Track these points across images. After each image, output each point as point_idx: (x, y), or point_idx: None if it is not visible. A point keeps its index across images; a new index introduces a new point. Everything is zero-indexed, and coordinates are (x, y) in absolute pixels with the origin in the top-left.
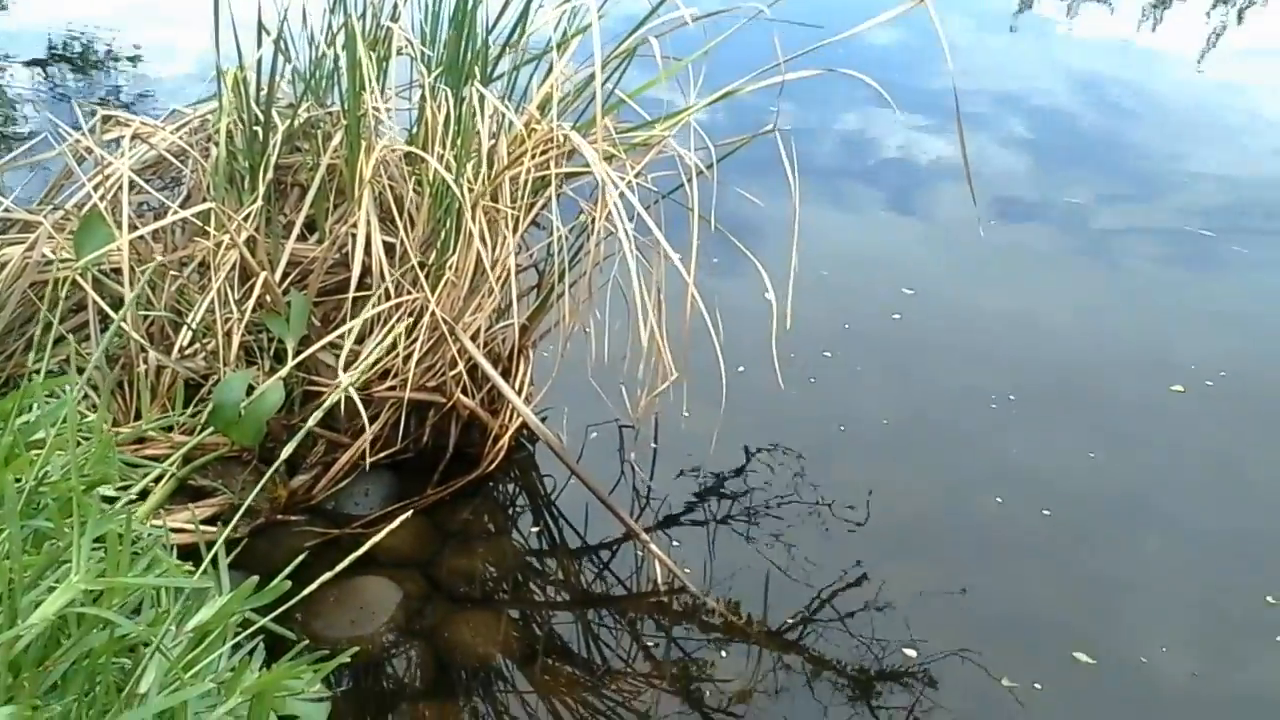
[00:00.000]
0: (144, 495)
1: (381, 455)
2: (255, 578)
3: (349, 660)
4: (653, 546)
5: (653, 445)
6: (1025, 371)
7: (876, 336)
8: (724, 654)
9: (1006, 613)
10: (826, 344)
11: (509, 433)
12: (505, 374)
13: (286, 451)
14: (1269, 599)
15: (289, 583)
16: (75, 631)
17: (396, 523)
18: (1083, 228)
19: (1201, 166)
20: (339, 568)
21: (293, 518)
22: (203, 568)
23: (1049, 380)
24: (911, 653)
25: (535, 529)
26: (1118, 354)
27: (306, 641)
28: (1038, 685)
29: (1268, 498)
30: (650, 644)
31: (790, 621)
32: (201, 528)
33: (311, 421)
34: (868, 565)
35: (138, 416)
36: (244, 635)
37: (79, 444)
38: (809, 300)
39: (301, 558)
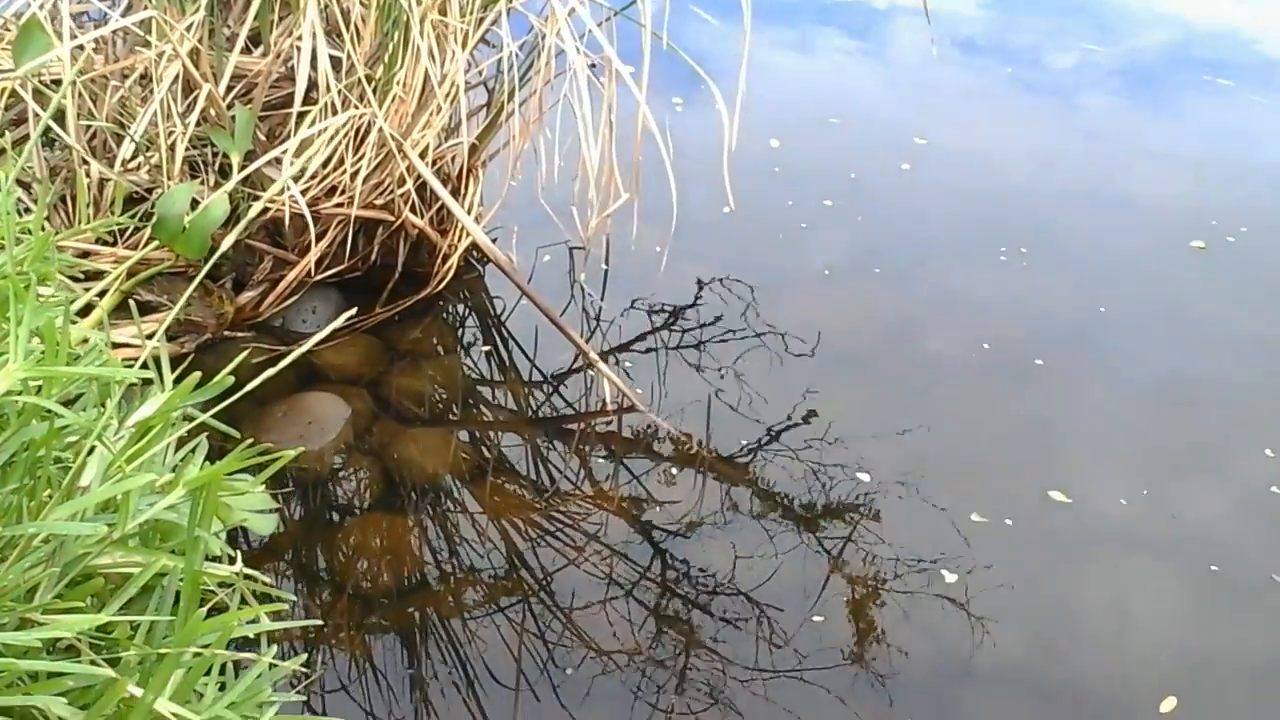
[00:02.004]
0: (87, 311)
1: (329, 273)
2: (197, 374)
3: (297, 473)
4: (602, 366)
5: (603, 267)
6: (1033, 222)
7: (882, 186)
8: (673, 480)
9: (964, 449)
10: (830, 193)
11: (458, 252)
12: (454, 193)
13: (229, 241)
14: (1268, 451)
15: (232, 378)
16: (14, 422)
17: (341, 319)
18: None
19: None
20: (282, 364)
21: (240, 334)
22: (142, 359)
23: (1062, 239)
24: (865, 477)
25: (485, 349)
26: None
27: (251, 440)
28: (980, 519)
29: (1217, 335)
30: (599, 467)
31: (740, 450)
32: (146, 342)
33: (253, 212)
34: (820, 398)
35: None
36: (187, 429)
37: (16, 243)
38: (815, 147)
39: (244, 355)
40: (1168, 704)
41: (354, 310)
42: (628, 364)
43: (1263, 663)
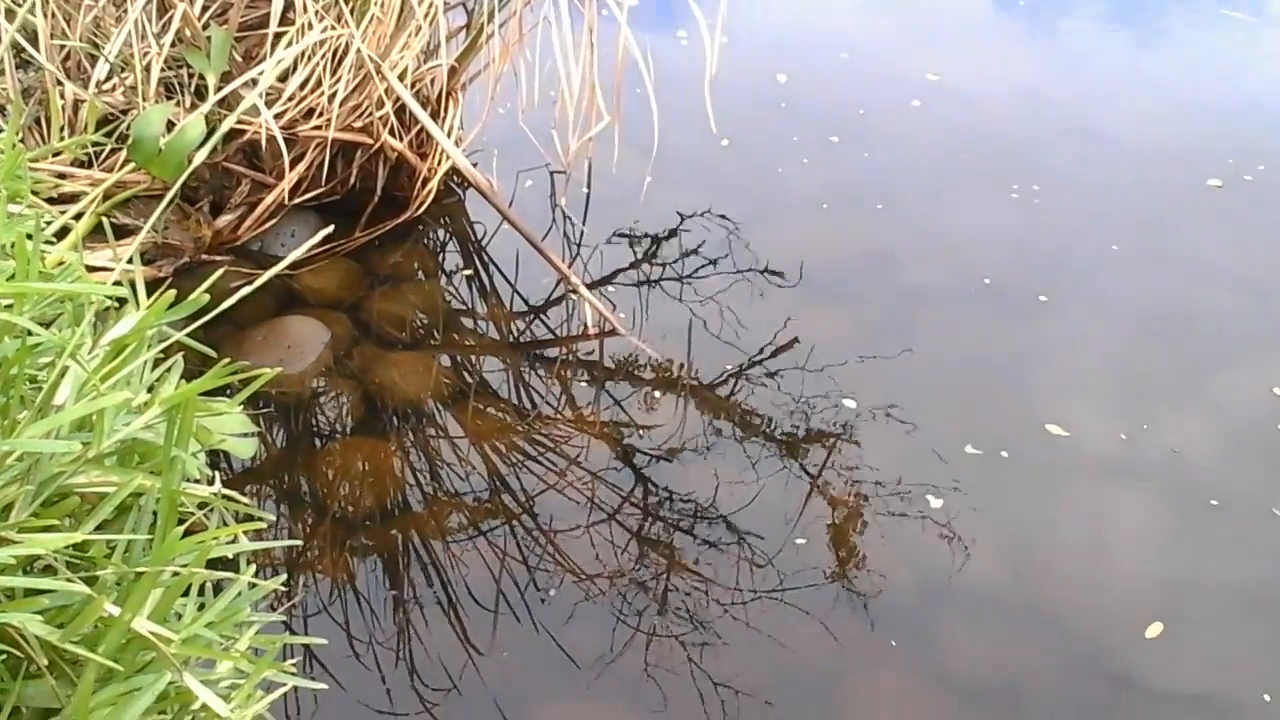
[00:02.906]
0: (64, 235)
1: (307, 197)
2: (173, 291)
3: (277, 397)
4: (584, 290)
5: (585, 190)
6: (1046, 161)
7: (890, 123)
8: (655, 406)
9: (952, 379)
10: (836, 130)
11: (438, 176)
12: (434, 116)
13: (200, 158)
14: (1275, 391)
15: (207, 296)
16: None
17: (318, 236)
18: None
19: None
20: (258, 282)
21: (217, 258)
22: (116, 272)
23: (1076, 178)
24: (850, 404)
25: (466, 274)
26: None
27: (228, 359)
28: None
29: (1200, 265)
30: (581, 392)
31: (722, 376)
32: (123, 266)
33: (223, 128)
34: (801, 325)
35: (55, 154)
36: (163, 348)
37: None
38: (824, 83)
39: (220, 274)
40: (1154, 629)
41: (331, 228)
42: (610, 290)
43: (1250, 592)
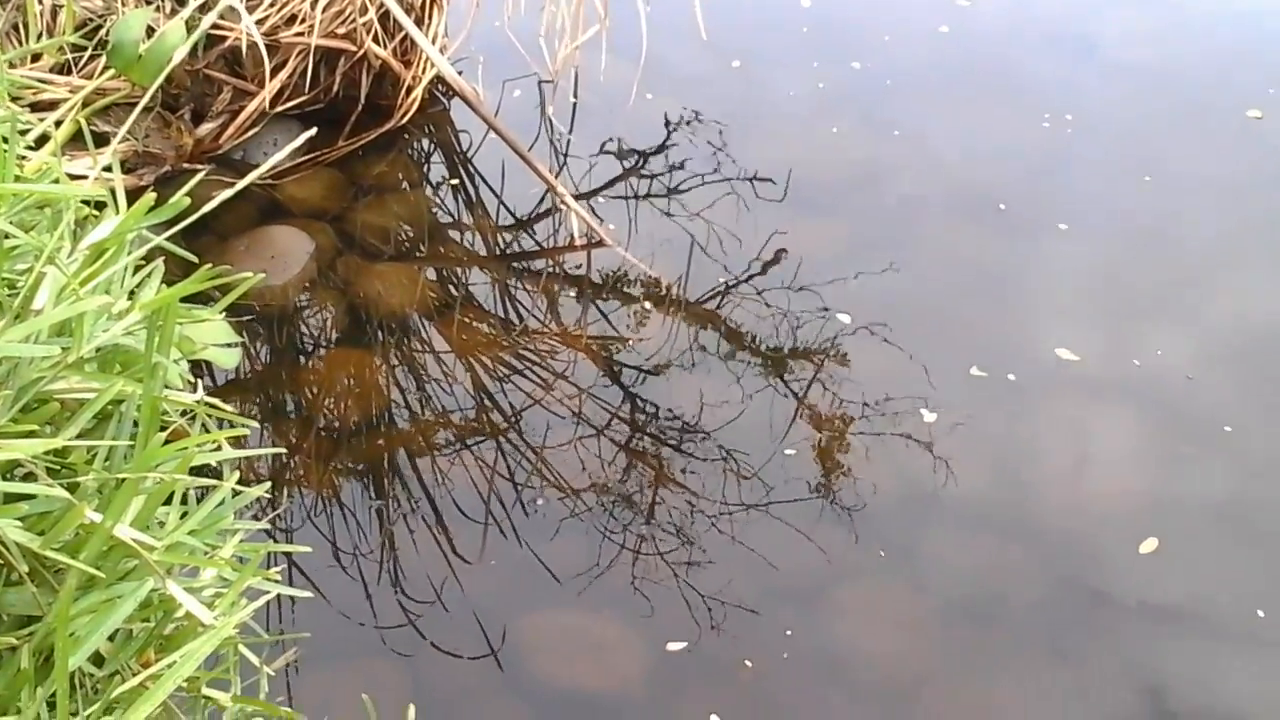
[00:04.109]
0: (43, 143)
1: (290, 105)
2: (152, 195)
3: (261, 308)
4: (570, 201)
5: (572, 100)
6: (1079, 89)
7: (915, 49)
8: (643, 320)
9: (929, 291)
10: (858, 55)
11: (422, 84)
12: (418, 22)
13: (177, 58)
14: None
15: (188, 200)
16: None
17: (300, 139)
18: None
19: None
20: (239, 185)
21: (199, 166)
22: (90, 179)
23: (1111, 109)
24: (845, 318)
25: (451, 184)
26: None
27: (210, 264)
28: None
29: (1180, 177)
30: (568, 305)
31: (710, 290)
32: (104, 174)
33: (202, 27)
34: (786, 239)
35: (34, 60)
36: (144, 251)
37: None
38: (850, 7)
39: (200, 177)
40: (1148, 545)
41: (313, 131)
42: (598, 202)
43: (1246, 510)
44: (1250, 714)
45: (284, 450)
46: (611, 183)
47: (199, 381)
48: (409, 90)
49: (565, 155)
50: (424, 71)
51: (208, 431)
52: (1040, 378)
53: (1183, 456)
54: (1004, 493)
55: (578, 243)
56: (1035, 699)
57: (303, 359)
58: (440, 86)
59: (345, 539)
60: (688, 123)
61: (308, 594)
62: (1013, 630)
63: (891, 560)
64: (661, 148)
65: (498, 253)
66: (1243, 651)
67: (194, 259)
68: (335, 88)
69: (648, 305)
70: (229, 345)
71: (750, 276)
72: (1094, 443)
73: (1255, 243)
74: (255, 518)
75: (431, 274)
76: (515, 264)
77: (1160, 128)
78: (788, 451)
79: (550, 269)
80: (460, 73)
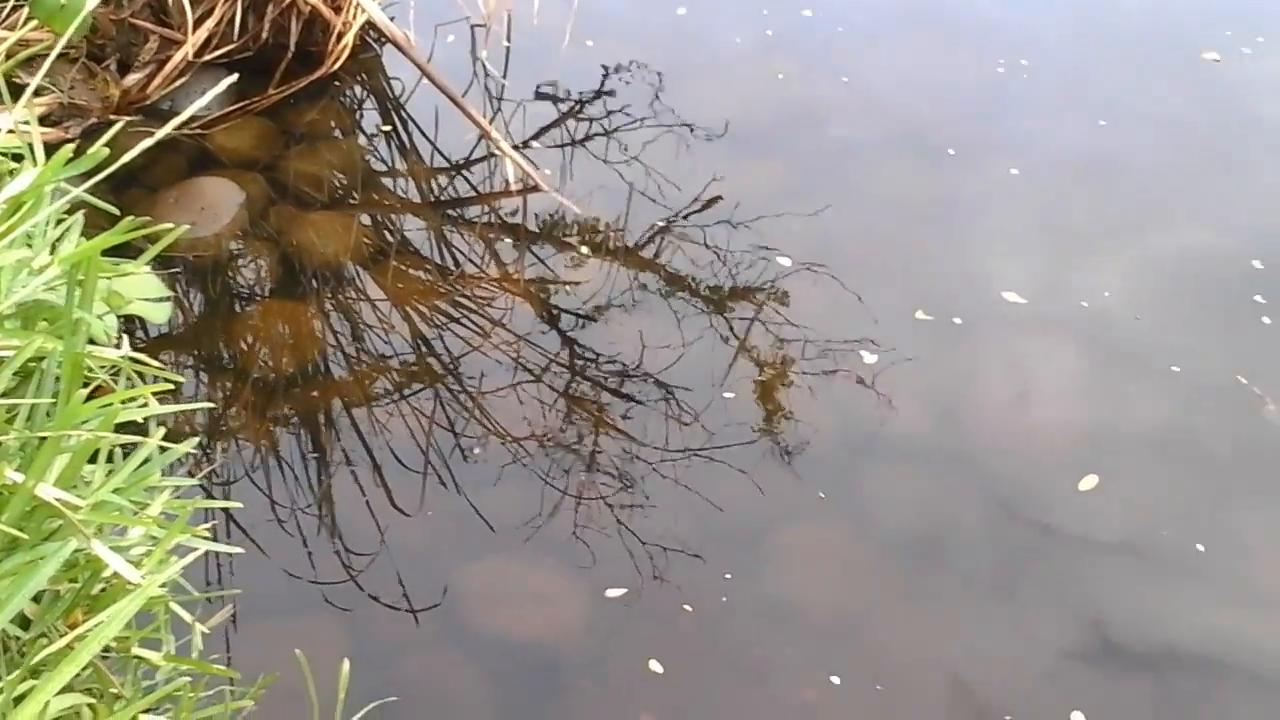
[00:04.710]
0: None
1: (218, 54)
2: (71, 146)
3: (193, 260)
4: (505, 146)
5: (505, 44)
6: (1038, 37)
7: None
8: (581, 264)
9: (873, 233)
10: (810, 3)
11: (353, 30)
12: None
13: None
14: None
15: (106, 150)
16: None
17: (221, 85)
18: None
19: None
20: (158, 135)
21: (127, 118)
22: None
23: (1069, 54)
24: (788, 261)
25: (385, 131)
26: None
27: (132, 216)
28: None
29: (1134, 121)
30: (505, 251)
31: (648, 234)
32: (23, 127)
33: None
34: (727, 184)
35: None
36: (65, 204)
37: None
38: None
39: (119, 129)
40: (1088, 481)
41: (234, 78)
42: (534, 147)
43: (1188, 445)
44: (1190, 645)
45: (217, 404)
46: (548, 127)
47: (124, 338)
48: (340, 36)
49: (500, 100)
50: (354, 17)
51: (133, 387)
52: (986, 320)
53: (1127, 396)
54: (948, 434)
55: (513, 188)
56: (977, 634)
57: (237, 311)
58: (372, 32)
59: (283, 493)
60: (628, 68)
61: (238, 550)
62: (955, 567)
63: (832, 501)
64: (600, 93)
65: (432, 199)
66: (1183, 585)
67: (116, 212)
68: (264, 35)
69: (585, 250)
70: (160, 299)
71: (690, 219)
72: (1039, 384)
73: (1207, 184)
74: (190, 474)
75: (366, 222)
76: (450, 210)
77: (1116, 71)
78: (727, 395)
79: (486, 215)
80: (392, 18)
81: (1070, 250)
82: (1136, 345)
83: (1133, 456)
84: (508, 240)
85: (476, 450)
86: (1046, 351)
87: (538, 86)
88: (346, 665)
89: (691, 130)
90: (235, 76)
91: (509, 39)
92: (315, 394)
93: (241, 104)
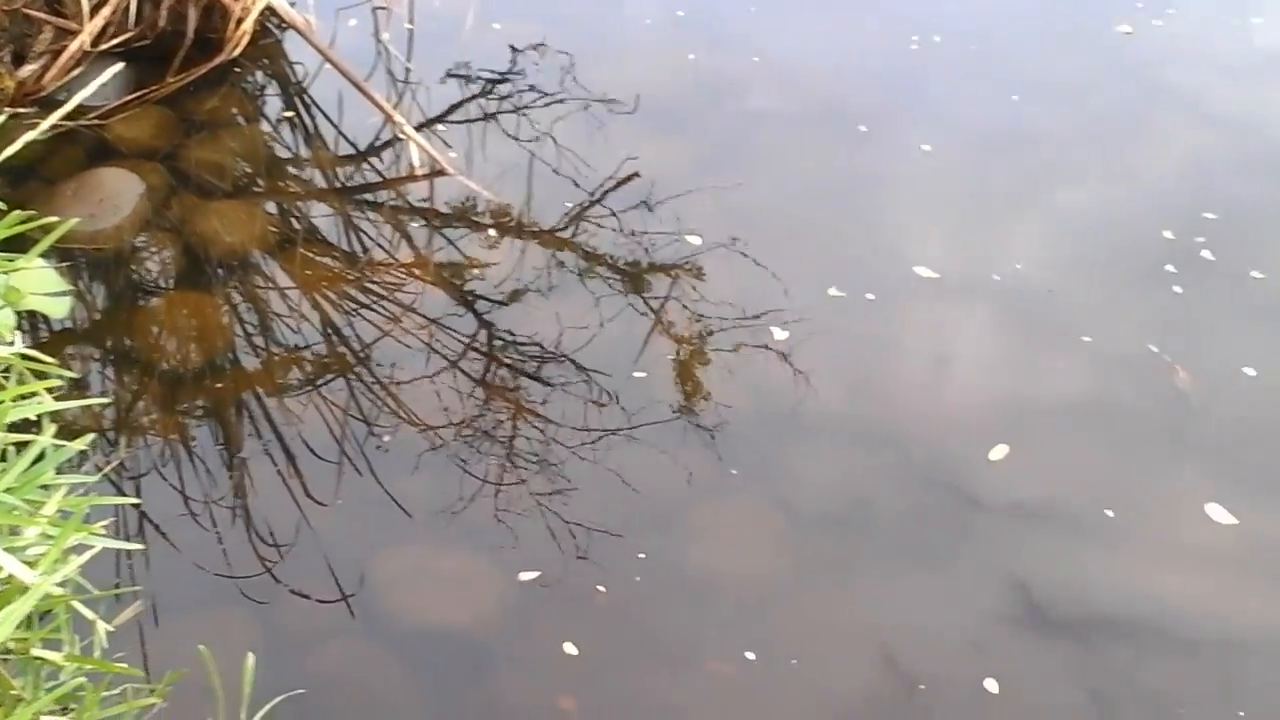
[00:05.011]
0: None
1: (115, 43)
2: None
3: (94, 254)
4: (409, 129)
5: (408, 27)
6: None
7: None
8: (494, 248)
9: (794, 208)
10: None
11: (252, 16)
12: None
13: None
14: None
15: None
16: None
17: (107, 74)
18: None
19: None
20: (43, 126)
21: (23, 110)
22: None
23: (972, 20)
24: (700, 240)
25: (287, 117)
26: None
27: (18, 210)
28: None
29: (1048, 96)
30: (415, 236)
31: (562, 215)
32: None
33: None
34: (640, 162)
35: None
36: None
37: None
38: None
39: (3, 120)
40: (998, 452)
41: (121, 66)
42: (442, 130)
43: (1096, 414)
44: (1100, 609)
45: (122, 399)
46: (457, 109)
47: (20, 334)
48: (238, 22)
49: (405, 84)
50: (253, 2)
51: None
52: (899, 295)
53: (1039, 366)
54: (861, 408)
55: (418, 172)
56: (891, 605)
57: (141, 303)
58: (272, 17)
59: (195, 487)
60: (537, 50)
61: (138, 547)
62: (869, 539)
63: (746, 477)
64: (510, 74)
65: (339, 185)
66: (1094, 551)
67: (2, 206)
68: (161, 23)
69: (496, 233)
70: (58, 294)
71: (603, 198)
72: (952, 357)
73: (1118, 155)
74: (97, 469)
75: (271, 210)
76: (357, 196)
77: (1031, 46)
78: (641, 374)
79: (394, 200)
80: (293, 3)
81: (982, 223)
82: (1049, 316)
83: (1044, 426)
84: (417, 225)
85: (391, 437)
86: (959, 325)
87: (446, 69)
88: (251, 659)
89: (604, 109)
90: (121, 66)
91: (412, 21)
92: (224, 386)
93: (140, 93)
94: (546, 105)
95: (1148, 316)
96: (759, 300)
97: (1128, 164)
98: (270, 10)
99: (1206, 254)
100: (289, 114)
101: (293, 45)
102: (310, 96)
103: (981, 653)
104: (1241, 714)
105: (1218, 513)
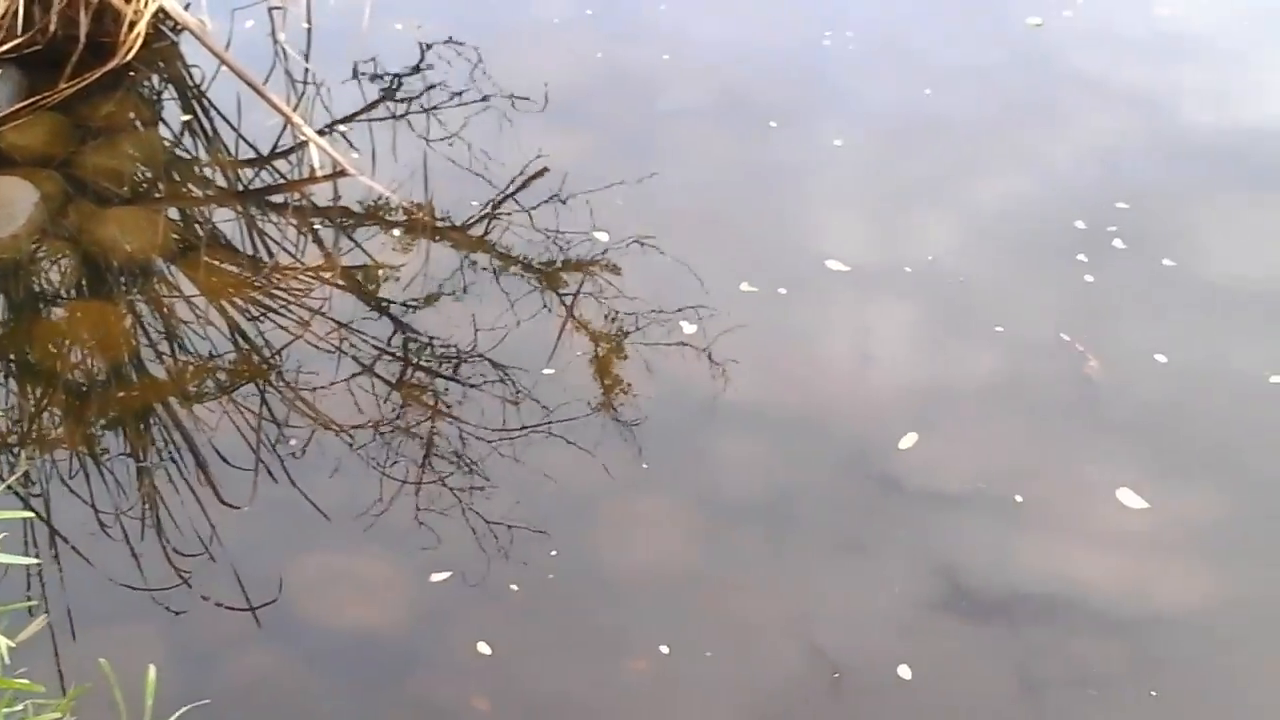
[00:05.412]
0: None
1: (5, 49)
2: None
3: None
4: (307, 130)
5: (305, 26)
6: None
7: None
8: (402, 249)
9: (704, 201)
10: None
11: (145, 18)
12: None
13: None
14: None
15: None
16: None
17: None
18: None
19: None
20: None
21: None
22: None
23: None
24: (609, 236)
25: (186, 121)
26: None
27: None
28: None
29: (961, 90)
30: (322, 239)
31: (473, 213)
32: None
33: None
34: (549, 160)
35: None
36: None
37: None
38: None
39: None
40: (907, 440)
41: (10, 72)
42: (348, 130)
43: (1004, 401)
44: (1007, 592)
45: (21, 411)
46: (362, 110)
47: None
48: (131, 25)
49: (305, 84)
50: (145, 5)
51: None
52: (810, 289)
53: (951, 357)
54: (774, 403)
55: (319, 174)
56: (800, 595)
57: (40, 313)
58: (166, 20)
59: (105, 499)
60: (444, 49)
61: (32, 560)
62: (778, 530)
63: (657, 471)
64: (416, 73)
65: (241, 189)
66: (1009, 537)
67: None
68: (52, 27)
69: (405, 233)
70: None
71: (513, 195)
72: (864, 349)
73: (1030, 146)
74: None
75: (172, 215)
76: (260, 200)
77: (943, 41)
78: (552, 371)
79: (298, 202)
80: (186, 5)
81: (894, 216)
82: (961, 307)
83: (957, 415)
84: (324, 227)
85: (302, 442)
86: (872, 317)
87: (349, 68)
88: (153, 671)
89: (512, 107)
90: (12, 72)
91: (309, 20)
92: (130, 395)
93: (32, 100)
94: (454, 104)
95: (1060, 305)
96: (671, 296)
97: (1040, 154)
98: (163, 13)
99: (1118, 243)
100: (187, 117)
101: (189, 48)
102: (209, 99)
103: (892, 641)
104: (1153, 693)
105: (1129, 497)
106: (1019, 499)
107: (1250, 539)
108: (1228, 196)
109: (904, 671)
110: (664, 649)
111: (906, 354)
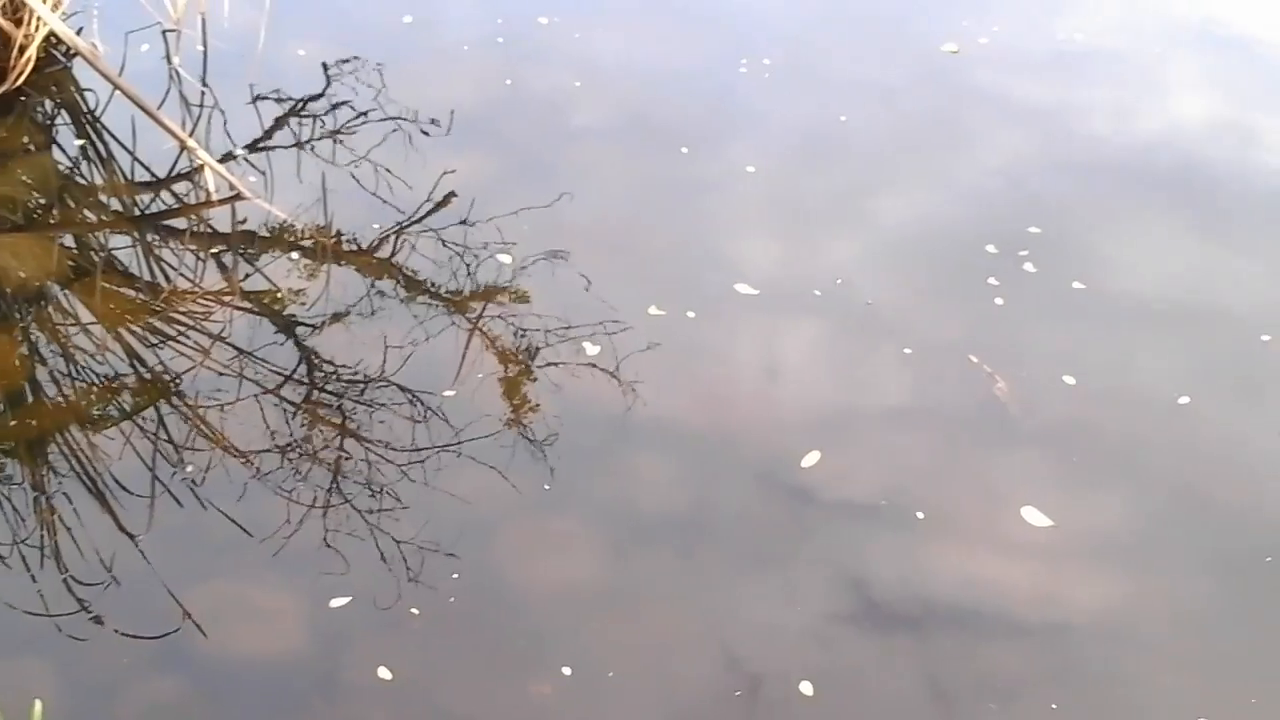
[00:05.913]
0: None
1: None
2: None
3: None
4: (202, 154)
5: (200, 49)
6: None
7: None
8: (303, 273)
9: (607, 232)
10: (546, 11)
11: (35, 42)
12: None
13: None
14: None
15: None
16: None
17: None
18: None
19: None
20: None
21: None
22: None
23: (818, 51)
24: (517, 259)
25: (79, 145)
26: None
27: None
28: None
29: (875, 117)
30: (219, 264)
31: (378, 236)
32: None
33: None
34: (458, 183)
35: None
36: None
37: None
38: None
39: None
40: (810, 458)
41: None
42: (248, 155)
43: (908, 414)
44: (907, 607)
45: None
46: (265, 134)
47: None
48: (21, 50)
49: (201, 107)
50: (36, 29)
51: None
52: (719, 312)
53: (860, 379)
54: (679, 424)
55: (214, 198)
56: (700, 614)
57: None
58: (58, 44)
59: (3, 528)
60: (349, 73)
61: None
62: (678, 551)
63: (558, 493)
64: (319, 97)
65: (136, 214)
66: (912, 549)
67: None
68: None
69: (304, 256)
70: None
71: (418, 219)
72: (773, 374)
73: (944, 172)
74: None
75: (67, 242)
76: (157, 224)
77: (859, 69)
78: (455, 394)
79: (195, 227)
80: (79, 30)
81: (805, 241)
82: (870, 330)
83: (864, 435)
84: (221, 252)
85: (201, 468)
86: (780, 340)
87: (247, 91)
88: (39, 706)
89: (420, 132)
90: None
91: (204, 44)
92: (28, 424)
93: None
94: (359, 127)
95: (969, 328)
96: (579, 319)
97: (953, 178)
98: (55, 37)
99: (1029, 266)
100: (81, 142)
101: (82, 72)
102: (103, 124)
103: (795, 657)
104: (1054, 707)
105: (1034, 515)
106: (920, 515)
107: (1151, 555)
108: (1136, 214)
109: (811, 685)
110: (566, 670)
111: (814, 375)
